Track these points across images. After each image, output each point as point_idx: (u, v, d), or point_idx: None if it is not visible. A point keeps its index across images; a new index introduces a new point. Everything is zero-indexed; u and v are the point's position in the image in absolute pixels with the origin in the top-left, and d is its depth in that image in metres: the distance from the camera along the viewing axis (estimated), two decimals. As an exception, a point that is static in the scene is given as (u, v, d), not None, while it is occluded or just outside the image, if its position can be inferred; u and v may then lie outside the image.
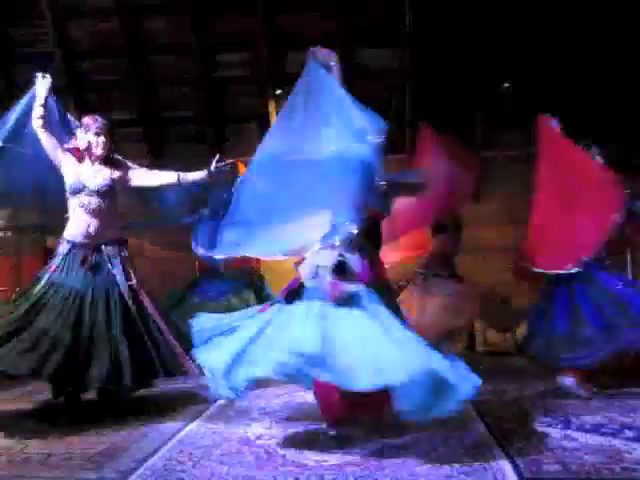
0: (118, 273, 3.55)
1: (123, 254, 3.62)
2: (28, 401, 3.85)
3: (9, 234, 6.23)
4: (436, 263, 4.90)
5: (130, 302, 3.51)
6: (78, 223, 3.57)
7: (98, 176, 3.59)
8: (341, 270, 2.77)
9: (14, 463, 2.68)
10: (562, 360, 3.77)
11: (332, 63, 3.00)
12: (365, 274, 2.78)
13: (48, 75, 3.71)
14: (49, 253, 3.81)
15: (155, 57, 6.07)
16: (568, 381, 3.80)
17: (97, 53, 6.05)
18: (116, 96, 6.22)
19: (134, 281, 3.58)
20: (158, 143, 6.42)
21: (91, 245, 3.56)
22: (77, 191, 3.56)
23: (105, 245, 3.58)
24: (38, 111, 3.59)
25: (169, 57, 6.07)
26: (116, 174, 3.64)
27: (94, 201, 3.55)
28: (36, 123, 3.58)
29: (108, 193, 3.59)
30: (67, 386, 3.48)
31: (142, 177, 3.71)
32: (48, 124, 3.64)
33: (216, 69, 6.10)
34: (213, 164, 3.58)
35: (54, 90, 3.76)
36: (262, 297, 5.18)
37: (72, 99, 6.06)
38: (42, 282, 3.49)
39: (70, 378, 3.28)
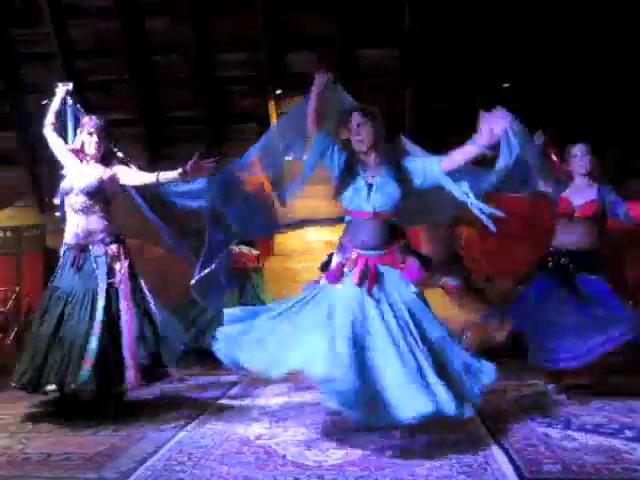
0: (101, 273, 3.52)
1: (110, 252, 3.56)
2: (28, 401, 3.85)
3: (9, 234, 6.23)
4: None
5: (100, 303, 3.46)
6: (70, 225, 3.62)
7: (87, 176, 3.60)
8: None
9: (14, 463, 2.68)
10: (546, 361, 3.77)
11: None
12: (328, 275, 3.04)
13: (70, 83, 3.87)
14: (49, 253, 3.85)
15: (155, 57, 6.07)
16: (550, 387, 3.88)
17: (97, 53, 6.05)
18: (116, 96, 6.22)
19: (116, 279, 3.52)
20: (158, 143, 6.43)
21: (80, 246, 3.56)
22: (67, 192, 3.60)
23: (93, 245, 3.57)
24: (50, 117, 3.75)
25: (169, 57, 6.07)
26: (107, 174, 3.64)
27: (80, 201, 3.56)
28: (46, 128, 3.73)
29: (96, 193, 3.57)
30: (30, 390, 3.45)
31: (128, 176, 3.70)
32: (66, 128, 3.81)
33: (216, 69, 6.10)
34: (191, 162, 3.51)
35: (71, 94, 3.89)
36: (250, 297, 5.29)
37: (72, 99, 6.06)
38: (48, 288, 3.62)
39: (33, 381, 3.35)
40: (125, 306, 3.49)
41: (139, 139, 6.34)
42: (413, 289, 2.97)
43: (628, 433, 2.93)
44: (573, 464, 2.51)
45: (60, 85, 3.84)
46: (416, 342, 2.81)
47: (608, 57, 5.47)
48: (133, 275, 3.61)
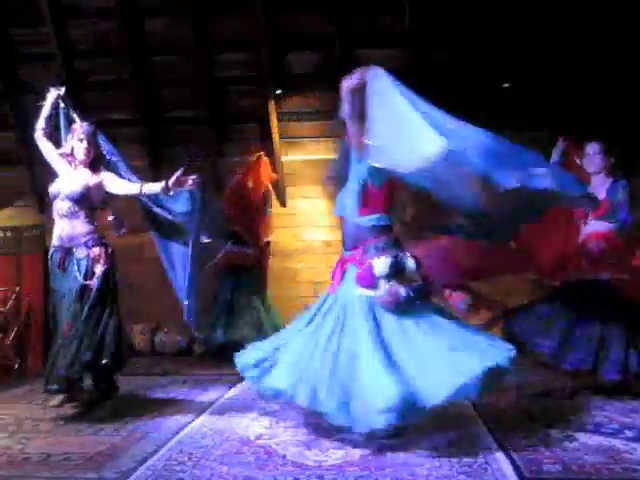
0: (80, 275, 3.58)
1: (92, 255, 3.62)
2: (28, 401, 3.85)
3: (9, 234, 6.23)
4: None
5: (76, 305, 3.54)
6: (55, 228, 3.70)
7: (74, 182, 3.66)
8: None
9: (14, 463, 2.68)
10: (536, 345, 3.76)
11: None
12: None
13: (62, 88, 3.87)
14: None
15: (155, 57, 6.06)
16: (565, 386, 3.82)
17: (97, 53, 6.04)
18: (116, 96, 6.21)
19: (91, 282, 3.57)
20: (158, 143, 6.41)
21: (65, 249, 3.64)
22: (54, 197, 3.68)
23: (76, 248, 3.63)
24: (41, 122, 3.77)
25: (169, 57, 6.06)
26: (94, 181, 3.69)
27: (66, 206, 3.63)
28: (37, 133, 3.76)
29: (81, 200, 3.64)
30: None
31: (114, 185, 3.74)
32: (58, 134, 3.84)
33: (216, 69, 6.09)
34: (173, 177, 3.56)
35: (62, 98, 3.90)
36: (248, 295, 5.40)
37: (72, 99, 6.05)
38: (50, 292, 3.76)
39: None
40: (84, 309, 3.55)
41: (139, 139, 6.33)
42: (357, 291, 2.96)
43: (628, 433, 2.94)
44: (573, 464, 2.51)
45: (52, 90, 3.85)
46: (335, 344, 2.89)
47: (609, 56, 5.47)
48: (108, 281, 3.64)
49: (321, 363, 2.85)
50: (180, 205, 3.73)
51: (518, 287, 5.63)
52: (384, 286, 2.91)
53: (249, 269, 5.62)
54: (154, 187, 3.63)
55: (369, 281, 2.94)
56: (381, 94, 2.83)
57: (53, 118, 3.84)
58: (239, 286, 5.55)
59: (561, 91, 5.60)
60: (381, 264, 2.94)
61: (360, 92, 2.98)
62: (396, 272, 2.94)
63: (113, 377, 3.70)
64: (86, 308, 3.53)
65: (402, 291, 2.89)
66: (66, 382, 3.45)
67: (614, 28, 5.36)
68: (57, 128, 3.89)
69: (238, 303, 5.49)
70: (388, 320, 2.89)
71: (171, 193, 3.60)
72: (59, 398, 3.63)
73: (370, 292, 2.93)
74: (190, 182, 3.59)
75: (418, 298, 2.92)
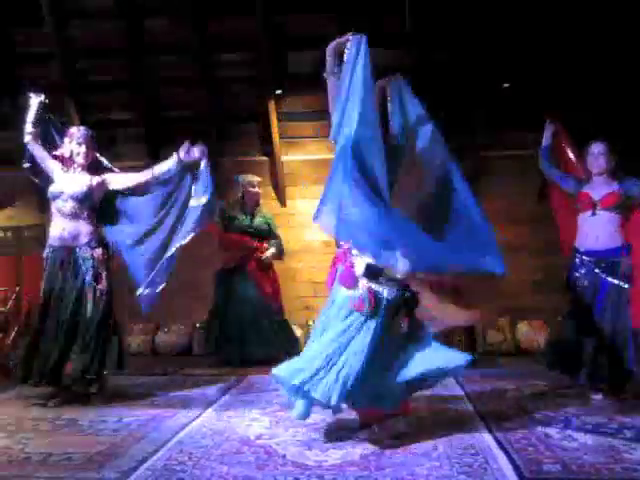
0: (88, 275, 3.67)
1: (96, 255, 3.71)
2: (28, 401, 3.85)
3: (9, 234, 6.23)
4: None
5: (84, 302, 3.64)
6: (55, 227, 3.75)
7: (77, 183, 3.75)
8: None
9: (14, 463, 2.67)
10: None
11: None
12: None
13: (42, 94, 3.88)
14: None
15: (155, 57, 6.07)
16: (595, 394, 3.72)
17: (97, 53, 6.05)
18: (116, 96, 6.22)
19: (101, 285, 3.67)
20: (158, 143, 6.42)
21: (67, 248, 3.71)
22: (55, 197, 3.75)
23: (79, 248, 3.71)
24: (28, 128, 3.87)
25: (169, 57, 6.07)
26: (95, 181, 3.79)
27: (69, 206, 3.71)
28: (26, 138, 3.87)
29: (84, 200, 3.73)
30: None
31: (120, 181, 3.85)
32: (45, 141, 3.91)
33: (216, 69, 6.10)
34: (182, 151, 3.67)
35: (51, 95, 3.96)
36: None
37: (72, 99, 6.06)
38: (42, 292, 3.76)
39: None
40: (89, 308, 3.65)
41: (139, 139, 6.35)
42: (342, 292, 2.81)
43: (628, 433, 2.93)
44: (573, 464, 2.51)
45: (33, 96, 3.87)
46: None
47: (609, 56, 5.47)
48: (109, 283, 3.73)
49: None
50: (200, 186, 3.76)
51: (519, 288, 5.68)
52: (363, 287, 2.75)
53: (233, 271, 5.53)
54: (166, 164, 3.73)
55: (350, 281, 2.78)
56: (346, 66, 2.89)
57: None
58: (225, 291, 5.48)
59: (561, 91, 5.61)
60: (360, 263, 2.77)
61: (342, 54, 3.01)
62: (373, 273, 2.74)
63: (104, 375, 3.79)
64: (90, 308, 3.62)
65: (383, 292, 2.74)
66: (60, 379, 3.60)
67: (614, 27, 5.37)
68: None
69: (223, 309, 5.37)
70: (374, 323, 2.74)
71: (183, 163, 3.68)
72: (57, 397, 3.70)
73: (351, 292, 2.77)
74: (198, 152, 3.68)
75: (399, 304, 2.76)
